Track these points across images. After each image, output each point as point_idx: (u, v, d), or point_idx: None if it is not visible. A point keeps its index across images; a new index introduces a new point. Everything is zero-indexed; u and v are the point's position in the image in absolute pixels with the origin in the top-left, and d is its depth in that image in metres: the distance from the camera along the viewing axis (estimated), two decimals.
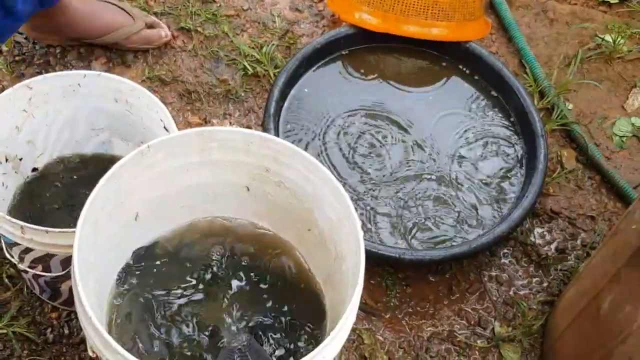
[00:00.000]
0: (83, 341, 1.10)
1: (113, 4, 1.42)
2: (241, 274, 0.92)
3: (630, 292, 0.86)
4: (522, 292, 1.25)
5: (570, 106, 1.52)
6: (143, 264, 0.89)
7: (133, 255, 0.88)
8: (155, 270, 0.90)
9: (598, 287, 0.96)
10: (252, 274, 0.92)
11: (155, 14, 1.54)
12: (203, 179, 0.90)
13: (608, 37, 1.63)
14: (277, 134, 1.21)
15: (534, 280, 1.27)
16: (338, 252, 0.86)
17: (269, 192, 0.91)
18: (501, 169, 1.31)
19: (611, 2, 1.76)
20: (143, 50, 1.45)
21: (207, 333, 0.84)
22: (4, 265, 1.14)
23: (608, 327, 0.92)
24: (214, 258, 0.92)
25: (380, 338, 1.17)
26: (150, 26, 1.44)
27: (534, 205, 1.21)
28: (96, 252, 0.78)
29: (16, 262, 1.01)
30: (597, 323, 0.96)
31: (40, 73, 1.30)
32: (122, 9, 1.41)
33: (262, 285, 0.91)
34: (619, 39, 1.62)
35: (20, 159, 1.08)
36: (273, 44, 1.51)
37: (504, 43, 1.63)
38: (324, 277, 0.92)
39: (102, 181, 0.76)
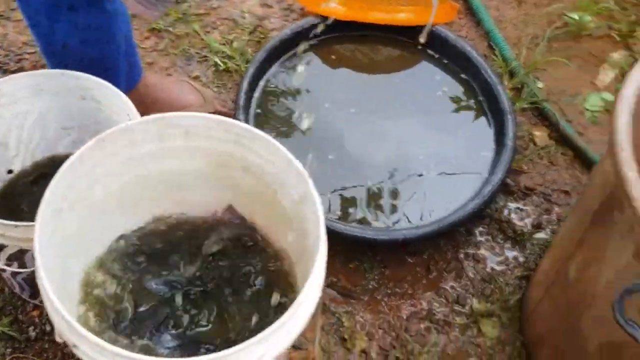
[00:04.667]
0: None
1: (189, 83, 1.40)
2: (213, 262, 0.93)
3: (594, 253, 0.88)
4: (499, 268, 1.26)
5: (541, 85, 1.54)
6: (112, 255, 0.90)
7: (100, 246, 0.89)
8: (124, 261, 0.91)
9: (566, 254, 0.97)
10: (224, 261, 0.93)
11: None
12: (166, 166, 0.91)
13: (575, 15, 1.65)
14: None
15: (511, 256, 1.28)
16: (304, 229, 0.87)
17: (235, 177, 0.92)
18: (472, 147, 1.32)
19: None
20: None
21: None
22: None
23: (576, 292, 0.94)
24: (183, 247, 0.93)
25: (360, 320, 1.18)
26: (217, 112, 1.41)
27: (503, 180, 1.22)
28: (61, 242, 0.79)
29: None
30: (566, 290, 0.97)
31: None
32: (197, 90, 1.38)
33: (235, 273, 0.92)
34: (586, 17, 1.64)
35: None
36: (243, 39, 1.52)
37: (472, 27, 1.65)
38: (296, 255, 0.93)
39: (61, 170, 0.77)
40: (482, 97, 1.38)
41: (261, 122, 1.30)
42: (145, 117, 0.84)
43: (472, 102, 1.38)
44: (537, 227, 1.32)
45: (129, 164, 0.87)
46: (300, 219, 0.87)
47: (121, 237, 0.93)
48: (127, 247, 0.93)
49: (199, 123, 0.85)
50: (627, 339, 0.74)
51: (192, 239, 0.94)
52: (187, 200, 0.97)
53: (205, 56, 1.50)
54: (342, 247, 1.24)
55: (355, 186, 1.25)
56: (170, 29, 1.54)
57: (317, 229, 0.79)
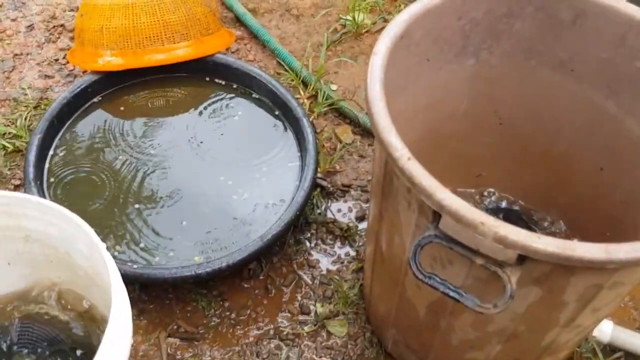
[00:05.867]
0: None
1: None
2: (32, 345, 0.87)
3: (392, 223, 0.90)
4: (334, 268, 1.28)
5: (334, 87, 1.59)
6: None
7: None
8: None
9: (375, 232, 0.99)
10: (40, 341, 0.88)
11: None
12: None
13: (349, 17, 1.73)
14: (43, 196, 1.17)
15: (343, 252, 1.30)
16: (105, 284, 0.83)
17: (21, 250, 0.87)
18: (279, 160, 1.34)
19: None
20: None
21: None
22: None
23: (392, 264, 0.96)
24: None
25: (209, 359, 1.15)
26: None
27: (313, 183, 1.24)
28: None
29: None
30: (385, 265, 0.99)
31: None
32: None
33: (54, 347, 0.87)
34: (360, 16, 1.72)
35: None
36: (28, 116, 1.46)
37: (259, 49, 1.68)
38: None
39: None
40: (278, 111, 1.40)
41: (59, 190, 1.24)
42: None
43: (270, 118, 1.40)
44: (361, 218, 1.35)
45: None
46: (99, 273, 0.84)
47: None
48: None
49: None
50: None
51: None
52: None
53: None
54: (174, 292, 1.21)
55: (169, 229, 1.22)
56: None
57: (108, 275, 0.76)
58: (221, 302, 1.22)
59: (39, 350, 0.93)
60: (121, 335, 0.71)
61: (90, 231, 0.78)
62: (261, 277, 1.26)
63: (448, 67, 1.05)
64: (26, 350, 0.91)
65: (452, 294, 0.77)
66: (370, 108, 0.82)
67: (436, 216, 0.75)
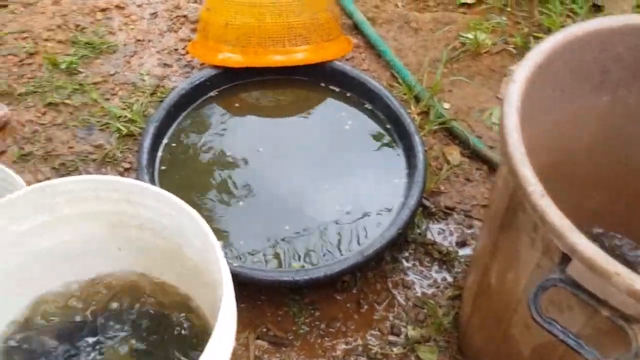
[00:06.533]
0: None
1: None
2: (123, 329, 0.88)
3: (508, 258, 0.87)
4: (430, 292, 1.24)
5: (447, 105, 1.56)
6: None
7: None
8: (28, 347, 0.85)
9: (484, 264, 0.96)
10: (134, 326, 0.88)
11: (21, 94, 1.51)
12: (63, 237, 0.87)
13: (470, 35, 1.69)
14: (153, 184, 1.19)
15: (440, 277, 1.26)
16: (213, 282, 0.83)
17: (134, 237, 0.88)
18: (384, 177, 1.31)
19: (469, 3, 1.83)
20: None
21: None
22: None
23: (500, 300, 0.92)
24: (89, 321, 0.88)
25: None
26: None
27: (419, 203, 1.21)
28: None
29: None
30: (491, 299, 0.96)
31: None
32: None
33: (146, 335, 0.88)
34: (481, 35, 1.68)
35: None
36: (144, 101, 1.50)
37: (374, 59, 1.66)
38: (211, 310, 0.89)
39: None
40: (389, 125, 1.38)
41: (168, 179, 1.26)
42: (23, 190, 0.79)
43: (380, 131, 1.38)
44: (462, 244, 1.31)
45: (19, 242, 0.82)
46: (209, 270, 0.84)
47: (26, 321, 0.87)
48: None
49: (83, 186, 0.81)
50: (554, 338, 0.73)
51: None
52: (92, 269, 0.92)
53: (106, 123, 1.46)
54: (267, 295, 1.20)
55: (270, 232, 1.22)
56: (67, 101, 1.50)
57: (221, 276, 0.76)
58: (312, 311, 1.20)
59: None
60: (228, 334, 0.71)
61: (206, 227, 0.78)
62: (354, 291, 1.23)
63: (581, 100, 1.00)
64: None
65: (572, 343, 0.72)
66: (505, 137, 0.78)
67: (564, 259, 0.71)
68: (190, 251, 0.86)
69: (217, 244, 0.76)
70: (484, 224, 0.97)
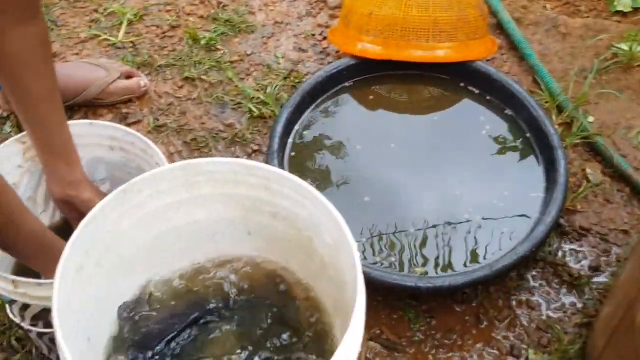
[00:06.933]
0: None
1: (88, 63, 1.43)
2: (246, 314, 0.88)
3: None
4: (556, 316, 1.17)
5: (592, 119, 1.46)
6: (138, 314, 0.85)
7: (124, 307, 0.83)
8: (152, 319, 0.85)
9: (630, 298, 0.88)
10: (257, 312, 0.87)
11: (160, 66, 1.55)
12: (196, 216, 0.87)
13: (624, 46, 1.57)
14: (282, 169, 1.18)
15: (568, 302, 1.18)
16: (341, 278, 0.81)
17: (265, 224, 0.87)
18: (521, 188, 1.24)
19: (625, 11, 1.71)
20: (125, 101, 1.45)
21: None
22: (12, 328, 1.12)
23: None
24: (213, 301, 0.87)
25: None
26: (128, 76, 1.44)
27: (557, 221, 1.14)
28: (84, 301, 0.74)
29: (18, 322, 0.98)
30: (634, 337, 0.88)
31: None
32: (97, 65, 1.43)
33: (270, 323, 0.86)
34: (636, 47, 1.56)
35: None
36: (278, 85, 1.49)
37: (516, 62, 1.58)
38: (333, 306, 0.87)
39: (82, 224, 0.73)
40: (530, 134, 1.31)
41: (296, 166, 1.25)
42: (170, 165, 0.79)
43: (519, 139, 1.31)
44: (596, 270, 1.22)
45: (156, 216, 0.83)
46: (337, 266, 0.81)
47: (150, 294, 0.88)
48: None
49: (225, 168, 0.81)
50: None
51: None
52: (219, 250, 0.92)
53: (239, 103, 1.47)
54: (384, 296, 1.17)
55: (395, 231, 1.18)
56: (204, 77, 1.52)
57: (354, 277, 0.73)
58: (429, 319, 1.16)
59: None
60: (358, 335, 0.68)
61: (344, 225, 0.75)
62: (474, 304, 1.18)
63: None
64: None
65: None
66: None
67: None
68: (319, 244, 0.84)
69: (355, 245, 0.73)
70: (633, 253, 0.90)
